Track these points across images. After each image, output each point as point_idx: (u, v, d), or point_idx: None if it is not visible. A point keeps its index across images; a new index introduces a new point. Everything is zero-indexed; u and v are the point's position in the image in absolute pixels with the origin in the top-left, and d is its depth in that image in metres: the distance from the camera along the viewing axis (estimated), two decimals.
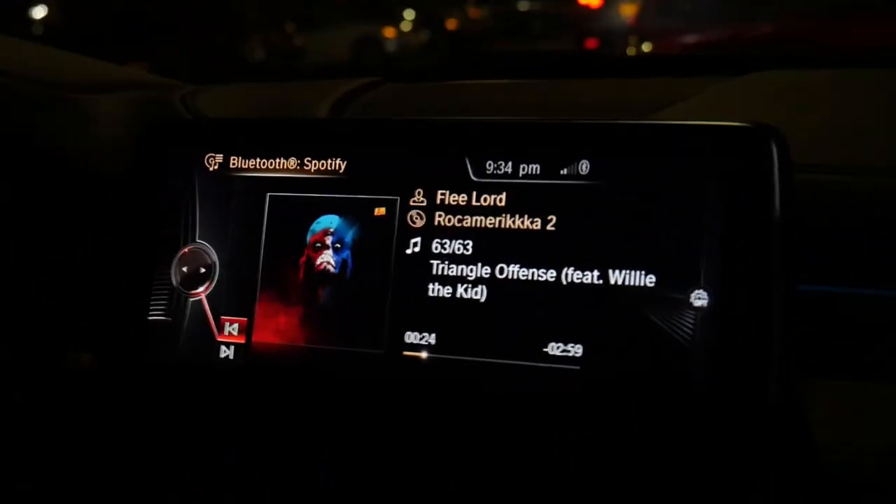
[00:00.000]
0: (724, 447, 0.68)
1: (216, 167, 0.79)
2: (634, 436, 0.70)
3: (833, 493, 0.66)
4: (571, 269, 0.70)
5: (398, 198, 0.75)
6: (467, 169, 0.74)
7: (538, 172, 0.72)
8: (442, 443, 0.75)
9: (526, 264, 0.71)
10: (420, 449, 0.76)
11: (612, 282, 0.70)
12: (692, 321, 0.67)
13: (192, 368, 0.78)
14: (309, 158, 0.77)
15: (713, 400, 0.66)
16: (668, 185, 0.69)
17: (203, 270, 0.78)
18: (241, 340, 0.77)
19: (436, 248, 0.74)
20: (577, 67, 1.19)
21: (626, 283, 0.69)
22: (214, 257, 0.78)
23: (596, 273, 0.70)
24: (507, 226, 0.72)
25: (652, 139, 0.70)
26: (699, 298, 0.67)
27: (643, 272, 0.69)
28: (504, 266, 0.72)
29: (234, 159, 0.79)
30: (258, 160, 0.78)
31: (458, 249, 0.73)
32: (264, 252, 0.77)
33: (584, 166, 0.71)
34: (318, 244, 0.76)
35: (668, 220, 0.69)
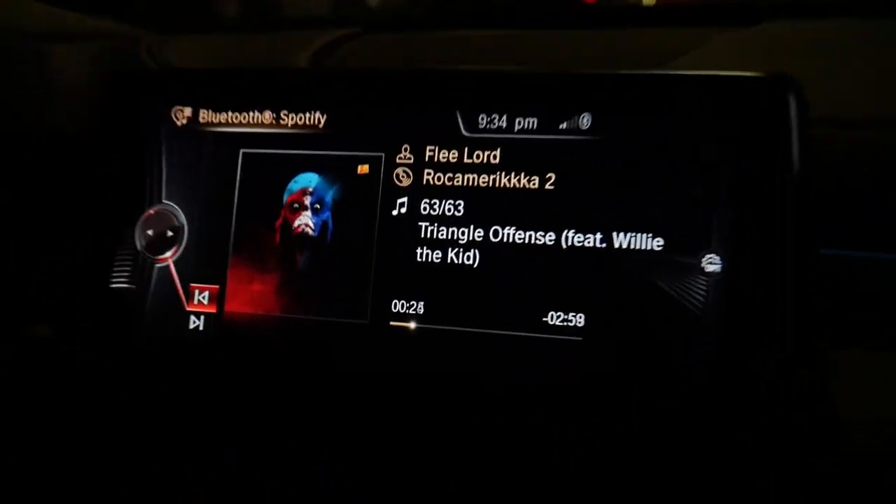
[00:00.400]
0: (738, 428, 0.67)
1: (184, 121, 0.78)
2: (639, 412, 0.68)
3: (852, 467, 0.66)
4: (572, 231, 0.69)
5: (383, 154, 0.73)
6: (458, 123, 0.72)
7: (535, 127, 0.71)
8: (432, 419, 0.74)
9: (522, 226, 0.70)
10: (409, 426, 0.74)
11: (617, 245, 0.68)
12: (703, 288, 0.66)
13: (159, 340, 0.77)
14: (286, 112, 0.76)
15: (727, 374, 0.65)
16: (676, 141, 0.68)
17: (170, 234, 0.77)
18: (213, 310, 0.76)
19: (424, 209, 0.72)
20: (578, 17, 1.17)
21: (632, 246, 0.68)
22: (182, 219, 0.77)
23: (598, 236, 0.69)
24: (502, 185, 0.71)
25: (658, 91, 0.69)
26: (711, 263, 0.66)
27: (650, 235, 0.68)
28: (499, 228, 0.71)
29: (203, 113, 0.77)
30: (230, 114, 0.77)
31: (449, 210, 0.72)
32: (237, 214, 0.76)
33: (585, 120, 0.70)
34: (296, 205, 0.75)
35: (677, 179, 0.67)
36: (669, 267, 0.67)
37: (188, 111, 0.78)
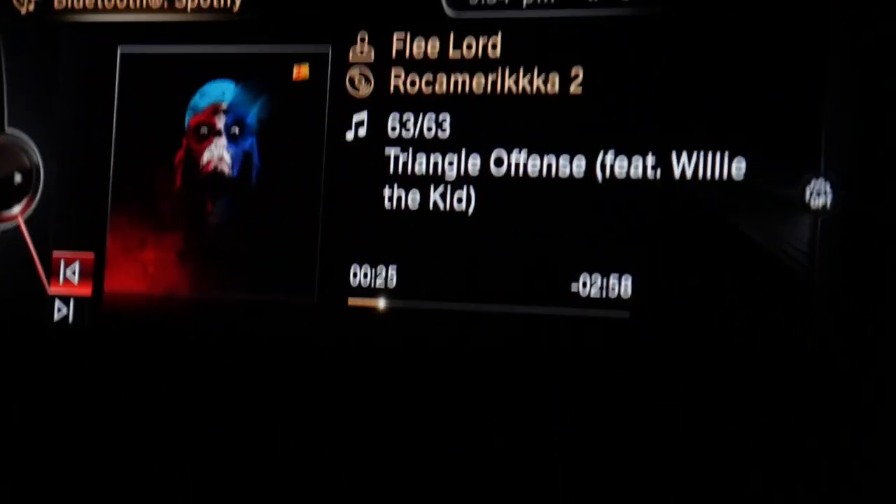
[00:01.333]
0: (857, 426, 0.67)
1: (32, 7, 0.77)
2: (719, 418, 0.68)
3: None
4: (611, 153, 0.69)
5: (329, 48, 0.73)
6: None
7: None
8: (409, 441, 0.74)
9: (538, 150, 0.70)
10: (378, 448, 0.75)
11: (677, 173, 0.68)
12: (807, 231, 0.66)
13: (7, 338, 0.77)
14: None
15: (843, 352, 0.65)
16: (768, 11, 0.67)
17: (18, 178, 0.77)
18: (86, 292, 0.77)
19: (393, 129, 0.72)
20: None
21: (700, 174, 0.68)
22: (35, 156, 0.77)
23: (650, 159, 0.68)
24: (507, 89, 0.71)
25: None
26: (819, 194, 0.66)
27: (727, 154, 0.67)
28: (503, 154, 0.71)
29: None
30: None
31: (430, 130, 0.72)
32: (117, 145, 0.76)
33: None
34: (204, 129, 0.75)
35: (768, 70, 0.67)
36: (756, 201, 0.67)
37: None
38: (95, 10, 0.77)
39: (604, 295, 0.69)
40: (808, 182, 0.66)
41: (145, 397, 0.78)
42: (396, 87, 0.73)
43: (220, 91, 0.75)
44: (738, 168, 0.67)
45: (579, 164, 0.70)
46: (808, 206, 0.66)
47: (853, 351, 0.65)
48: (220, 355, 0.76)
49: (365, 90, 0.73)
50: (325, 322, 0.73)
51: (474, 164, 0.71)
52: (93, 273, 0.77)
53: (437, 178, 0.72)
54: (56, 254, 0.77)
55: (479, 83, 0.72)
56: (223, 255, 0.75)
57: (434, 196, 0.72)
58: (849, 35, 0.66)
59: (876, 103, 0.65)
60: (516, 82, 0.71)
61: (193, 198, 0.75)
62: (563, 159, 0.70)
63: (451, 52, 0.72)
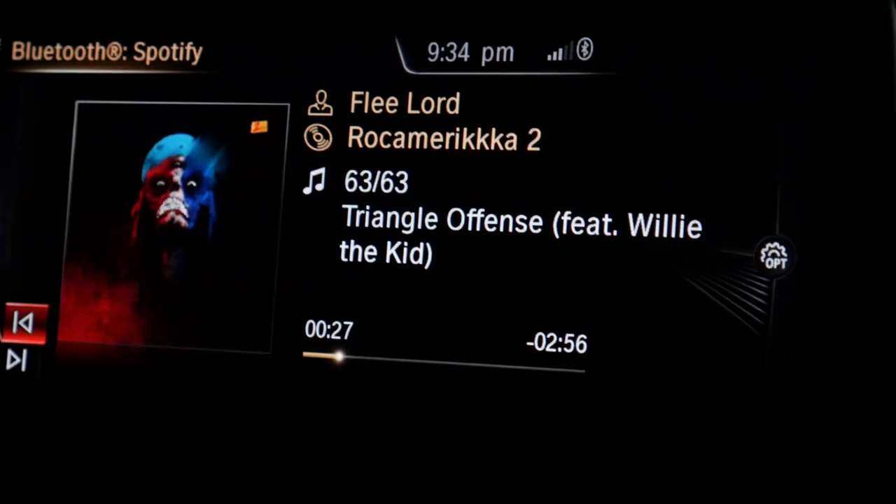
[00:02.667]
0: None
1: None
2: (674, 472, 0.68)
3: None
4: (567, 213, 0.69)
5: (288, 105, 0.73)
6: (399, 55, 0.72)
7: (511, 59, 0.71)
8: (367, 487, 0.73)
9: (495, 208, 0.70)
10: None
11: (634, 233, 0.68)
12: (763, 293, 0.66)
13: None
14: (142, 44, 0.75)
15: (798, 414, 0.65)
16: (724, 76, 0.67)
17: None
18: (40, 341, 0.76)
19: (350, 185, 0.72)
20: None
21: (656, 233, 0.68)
22: None
23: (607, 220, 0.68)
24: (464, 146, 0.71)
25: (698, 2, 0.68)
26: (774, 255, 0.66)
27: (682, 217, 0.67)
28: (460, 211, 0.70)
29: (19, 47, 0.77)
30: (59, 48, 0.77)
31: (387, 185, 0.72)
32: (73, 197, 0.76)
33: (586, 48, 0.69)
34: (161, 182, 0.74)
35: (723, 132, 0.67)
36: (711, 262, 0.67)
37: None
38: (55, 62, 0.77)
39: (559, 351, 0.69)
40: (764, 244, 0.66)
41: (97, 447, 0.77)
42: (355, 143, 0.72)
43: (178, 144, 0.75)
44: (694, 228, 0.67)
45: (536, 223, 0.70)
46: (763, 267, 0.66)
47: (806, 410, 0.65)
48: (173, 406, 0.75)
49: (323, 146, 0.73)
50: (280, 375, 0.73)
51: (431, 220, 0.71)
52: (46, 324, 0.76)
53: (394, 234, 0.72)
54: (9, 305, 0.77)
55: (437, 140, 0.71)
56: (178, 307, 0.74)
57: (391, 251, 0.72)
58: (801, 99, 0.66)
59: (829, 168, 0.65)
60: (474, 140, 0.71)
61: (149, 250, 0.75)
62: (521, 218, 0.70)
63: (410, 109, 0.72)
